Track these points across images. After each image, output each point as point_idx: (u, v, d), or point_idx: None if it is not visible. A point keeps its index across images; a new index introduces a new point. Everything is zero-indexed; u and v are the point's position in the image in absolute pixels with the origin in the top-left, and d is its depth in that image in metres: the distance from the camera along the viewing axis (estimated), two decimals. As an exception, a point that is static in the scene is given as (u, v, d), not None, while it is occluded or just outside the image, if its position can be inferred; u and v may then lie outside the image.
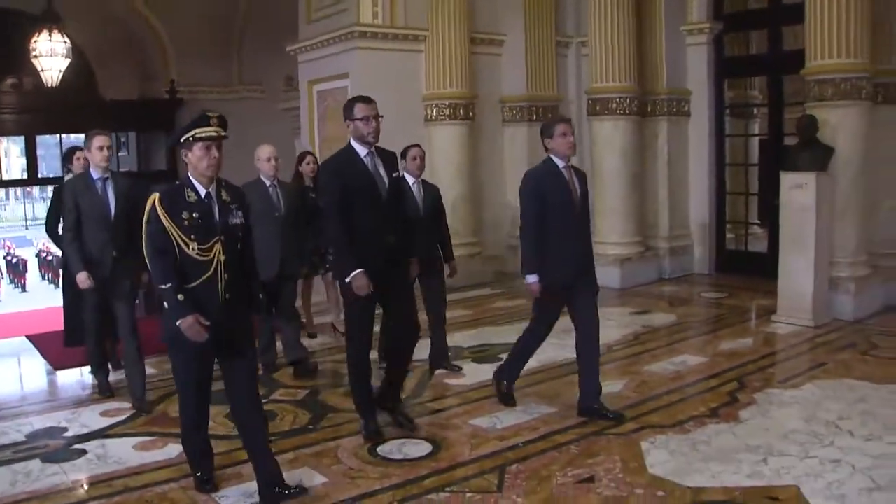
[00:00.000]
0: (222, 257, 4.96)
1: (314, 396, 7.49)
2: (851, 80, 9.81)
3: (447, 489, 5.34)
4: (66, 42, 15.84)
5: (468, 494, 5.28)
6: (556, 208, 6.45)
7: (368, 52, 12.61)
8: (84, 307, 7.64)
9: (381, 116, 6.16)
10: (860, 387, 7.23)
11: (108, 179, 7.36)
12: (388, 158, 6.32)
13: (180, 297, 4.85)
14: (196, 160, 4.94)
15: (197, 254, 4.89)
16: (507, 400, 6.98)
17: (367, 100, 6.18)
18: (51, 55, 15.66)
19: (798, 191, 9.53)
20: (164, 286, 4.88)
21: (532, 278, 6.51)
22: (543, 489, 5.32)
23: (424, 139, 12.08)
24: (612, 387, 7.19)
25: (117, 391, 7.66)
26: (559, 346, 7.79)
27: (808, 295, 9.57)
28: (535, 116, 13.53)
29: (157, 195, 4.90)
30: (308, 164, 9.47)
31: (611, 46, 12.43)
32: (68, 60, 15.95)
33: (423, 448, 6.09)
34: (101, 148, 7.22)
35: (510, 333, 8.31)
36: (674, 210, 13.38)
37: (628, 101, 12.45)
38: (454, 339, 8.88)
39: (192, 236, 4.88)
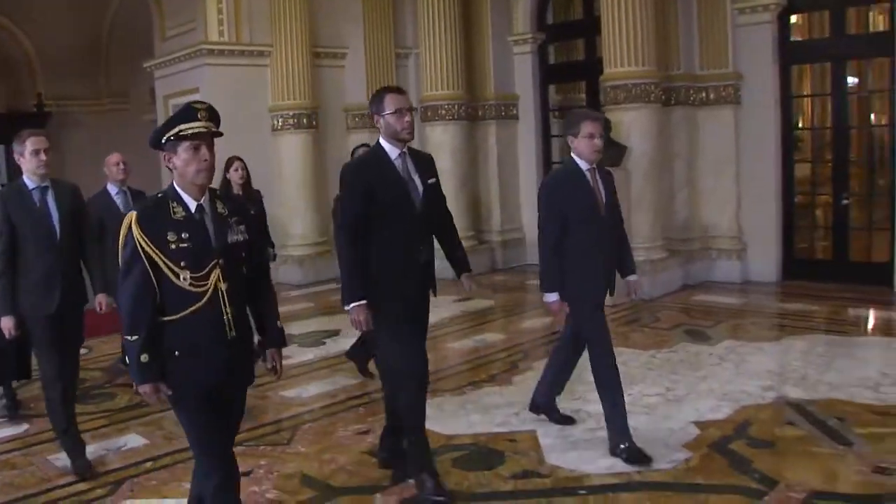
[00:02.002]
0: (223, 285, 3.95)
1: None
2: (641, 86, 11.04)
3: (244, 444, 6.23)
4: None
5: (261, 447, 6.25)
6: (578, 216, 5.73)
7: (216, 68, 13.49)
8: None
9: (415, 109, 5.46)
10: (626, 353, 8.33)
11: (49, 189, 6.07)
12: (424, 161, 5.43)
13: (144, 357, 3.86)
14: (182, 165, 3.90)
15: (190, 284, 3.88)
16: (643, 459, 5.66)
17: (398, 90, 5.34)
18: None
19: (594, 185, 10.69)
20: (129, 337, 3.89)
21: (551, 297, 5.86)
22: (325, 441, 6.33)
23: (272, 148, 13.07)
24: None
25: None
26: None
27: (607, 277, 10.72)
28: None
29: (134, 214, 3.88)
30: (236, 170, 8.69)
31: (440, 57, 13.54)
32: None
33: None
34: (36, 152, 5.97)
35: (338, 322, 9.40)
36: (505, 206, 14.58)
37: (457, 107, 13.58)
38: (290, 328, 9.67)
39: (183, 263, 3.86)
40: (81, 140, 18.39)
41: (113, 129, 18.20)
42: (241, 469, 5.59)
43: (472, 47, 14.19)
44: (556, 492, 5.26)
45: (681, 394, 7.12)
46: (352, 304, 5.17)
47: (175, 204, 3.93)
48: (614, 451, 5.71)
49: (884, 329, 9.49)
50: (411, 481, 5.37)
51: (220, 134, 4.01)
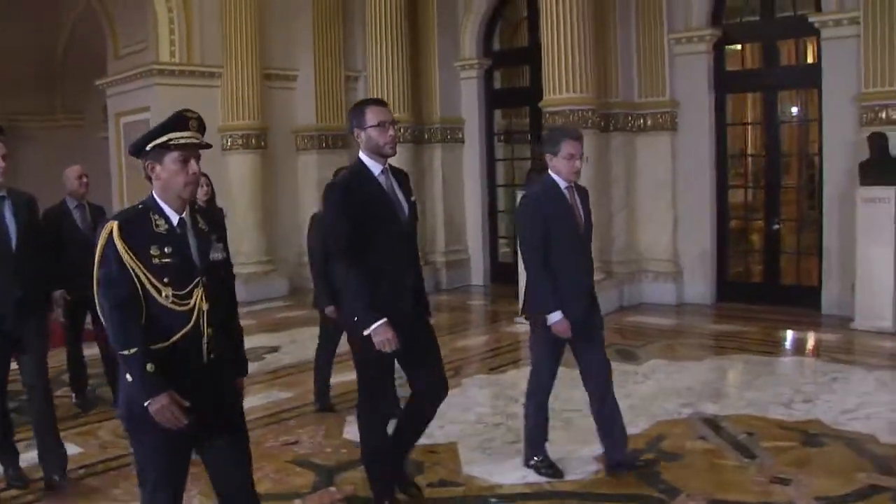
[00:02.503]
0: (205, 306, 3.74)
1: (93, 392, 8.46)
2: (579, 112, 11.36)
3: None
4: None
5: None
6: (558, 235, 5.60)
7: (167, 88, 13.63)
8: None
9: (396, 123, 5.25)
10: (554, 371, 8.64)
11: (5, 199, 5.76)
12: (402, 178, 5.24)
13: (150, 367, 3.57)
14: (169, 176, 3.69)
15: (172, 303, 3.66)
16: (555, 472, 5.90)
17: (380, 102, 5.16)
18: None
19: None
20: (126, 351, 3.59)
21: (556, 316, 5.57)
22: (255, 450, 6.44)
23: (220, 167, 13.26)
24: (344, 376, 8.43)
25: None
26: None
27: (545, 298, 11.02)
28: (324, 145, 14.80)
29: (115, 223, 3.64)
30: (201, 186, 8.21)
31: (387, 80, 13.82)
32: None
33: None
34: None
35: (280, 338, 9.66)
36: (449, 227, 14.89)
37: (402, 129, 13.83)
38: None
39: (166, 279, 3.64)
40: (35, 156, 18.37)
41: (67, 145, 18.28)
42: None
43: (419, 71, 14.51)
44: (469, 500, 5.51)
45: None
46: (373, 326, 4.87)
47: (157, 216, 3.72)
48: (527, 463, 5.95)
49: (805, 349, 9.84)
50: (332, 488, 5.61)
51: (209, 146, 3.90)
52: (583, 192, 5.83)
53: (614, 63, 12.43)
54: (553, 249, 5.58)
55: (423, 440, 6.51)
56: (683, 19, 12.31)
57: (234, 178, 13.93)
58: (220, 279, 3.88)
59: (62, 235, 7.41)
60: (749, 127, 13.26)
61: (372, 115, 4.94)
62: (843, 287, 10.90)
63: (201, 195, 8.17)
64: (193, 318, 3.69)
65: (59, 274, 6.62)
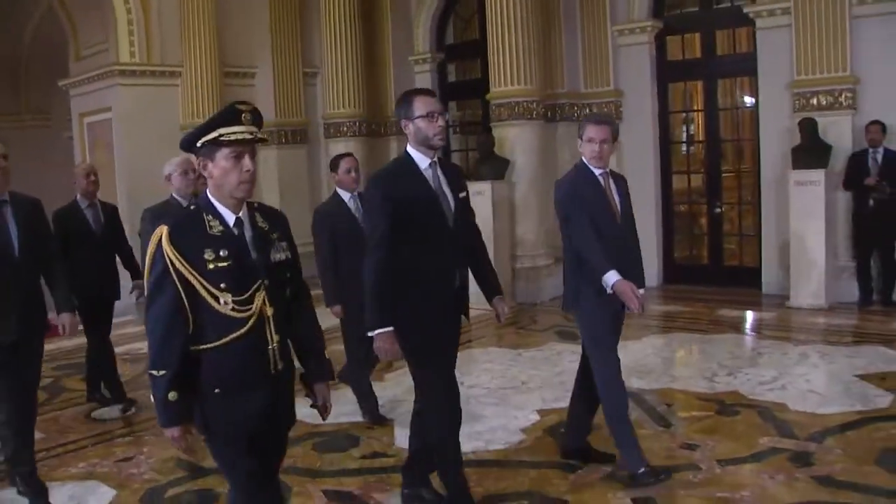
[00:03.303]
0: (269, 310, 3.54)
1: (57, 382, 8.87)
2: (523, 104, 11.80)
3: (133, 433, 6.93)
4: None
5: (146, 437, 6.90)
6: (593, 222, 5.34)
7: (128, 88, 13.95)
8: None
9: (447, 114, 4.97)
10: (495, 351, 9.10)
11: (7, 203, 5.60)
12: (453, 172, 4.99)
13: (172, 395, 3.41)
14: (221, 174, 3.47)
15: (232, 310, 3.45)
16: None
17: (428, 92, 4.94)
18: None
19: (480, 197, 11.38)
20: (155, 371, 3.42)
21: (613, 277, 5.24)
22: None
23: (182, 164, 13.53)
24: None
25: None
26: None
27: (494, 284, 11.45)
28: (284, 140, 15.17)
29: (165, 229, 3.42)
30: (203, 183, 8.27)
31: (342, 76, 14.22)
32: None
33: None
34: None
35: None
36: (407, 219, 15.18)
37: (357, 124, 14.26)
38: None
39: (223, 285, 3.42)
40: (3, 156, 18.65)
41: (34, 145, 18.53)
42: (124, 455, 6.35)
43: (374, 67, 14.89)
44: (398, 469, 5.86)
45: (533, 386, 7.82)
46: (378, 331, 4.68)
47: (211, 217, 3.49)
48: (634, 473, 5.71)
49: (739, 327, 10.29)
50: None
51: (265, 140, 3.73)
52: (620, 180, 5.60)
53: (560, 55, 12.92)
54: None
55: (363, 418, 6.99)
56: (626, 11, 12.77)
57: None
58: (285, 281, 3.67)
59: (73, 236, 7.34)
60: (689, 114, 13.68)
61: (420, 105, 4.70)
62: (781, 267, 11.37)
63: (202, 192, 7.83)
64: (254, 322, 3.48)
65: (71, 276, 6.27)
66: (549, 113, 12.47)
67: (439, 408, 4.90)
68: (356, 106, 14.27)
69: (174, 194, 6.70)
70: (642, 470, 5.44)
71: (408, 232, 4.66)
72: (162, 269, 3.40)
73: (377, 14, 15.08)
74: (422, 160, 4.74)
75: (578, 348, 8.97)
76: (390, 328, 4.67)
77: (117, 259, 8.05)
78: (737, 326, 10.27)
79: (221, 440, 3.57)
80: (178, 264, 3.37)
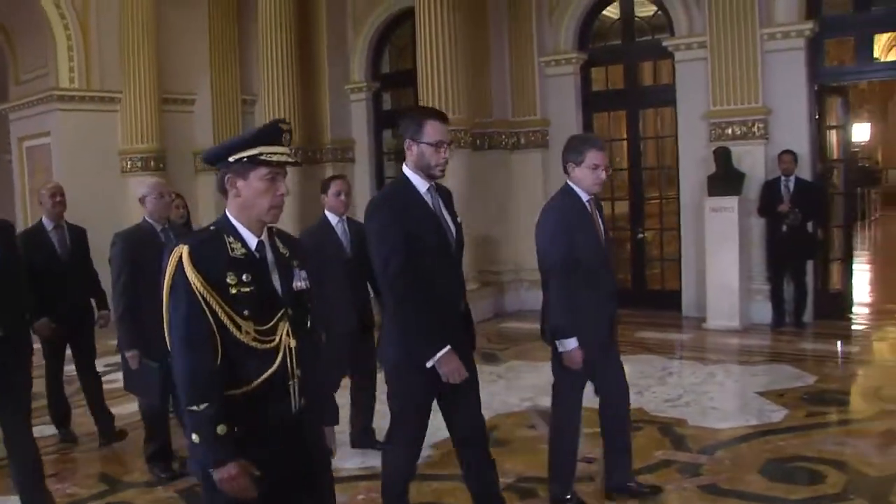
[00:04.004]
0: (292, 342, 3.28)
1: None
2: (452, 132, 12.09)
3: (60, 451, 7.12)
4: None
5: (71, 454, 7.17)
6: (582, 252, 5.18)
7: (67, 113, 14.17)
8: None
9: (451, 144, 4.69)
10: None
11: None
12: (448, 197, 4.81)
13: (220, 429, 3.07)
14: (253, 195, 3.23)
15: (254, 340, 3.18)
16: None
17: (441, 116, 4.67)
18: None
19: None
20: (194, 407, 3.07)
21: (571, 343, 5.18)
22: (129, 447, 7.21)
23: (121, 190, 13.80)
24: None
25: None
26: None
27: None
28: (223, 166, 15.39)
29: (185, 248, 3.13)
30: (177, 207, 8.21)
31: (279, 104, 14.46)
32: None
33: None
34: None
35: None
36: (342, 243, 15.50)
37: (294, 151, 14.44)
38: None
39: (246, 312, 3.16)
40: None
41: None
42: (48, 471, 6.15)
43: (310, 95, 15.18)
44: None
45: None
46: (438, 356, 4.41)
47: (232, 239, 3.22)
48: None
49: (655, 348, 10.68)
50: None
51: (299, 163, 3.43)
52: (599, 205, 5.47)
53: (489, 85, 13.36)
54: (577, 267, 5.17)
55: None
56: (553, 43, 13.25)
57: (133, 199, 14.30)
58: (306, 311, 3.41)
59: (38, 260, 6.89)
60: (614, 142, 14.12)
61: (431, 132, 4.50)
62: (699, 290, 11.81)
63: (176, 216, 7.76)
64: (280, 357, 3.22)
65: (36, 303, 6.21)
66: (477, 141, 12.89)
67: (409, 445, 4.80)
68: (293, 133, 14.56)
69: (147, 218, 6.37)
70: (568, 497, 5.55)
71: (413, 258, 4.41)
72: (185, 293, 3.09)
73: (314, 43, 15.36)
74: (420, 184, 4.56)
75: (498, 369, 9.49)
76: (447, 347, 4.42)
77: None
78: (652, 348, 10.66)
79: (224, 497, 3.17)
80: (200, 287, 3.08)
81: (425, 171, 4.54)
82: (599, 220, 5.35)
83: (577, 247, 5.15)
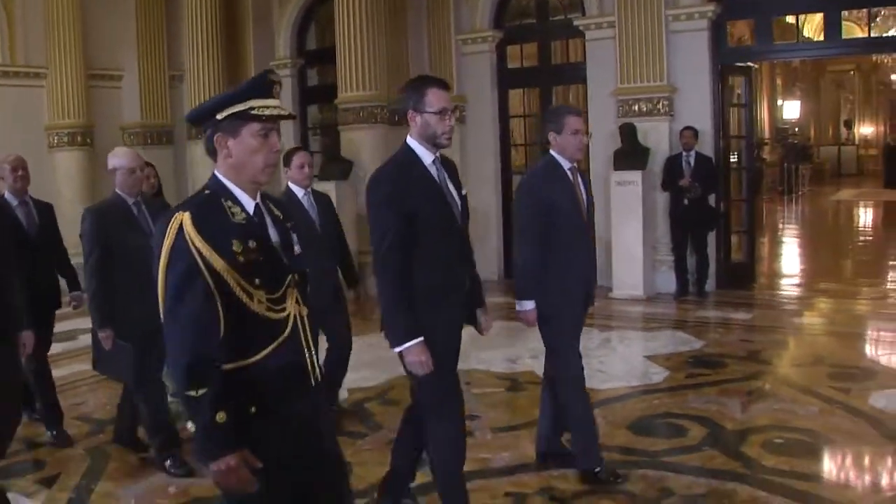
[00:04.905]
0: (303, 311, 3.12)
1: None
2: (368, 108, 12.54)
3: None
4: None
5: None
6: (561, 219, 5.24)
7: (-8, 88, 14.32)
8: None
9: (456, 110, 4.46)
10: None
11: None
12: (452, 169, 4.60)
13: (220, 416, 2.81)
14: (245, 153, 3.01)
15: (267, 309, 2.98)
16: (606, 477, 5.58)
17: (443, 84, 4.45)
18: None
19: (326, 196, 12.07)
20: (192, 392, 2.82)
21: (528, 304, 5.33)
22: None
23: (48, 165, 13.99)
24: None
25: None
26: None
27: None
28: (150, 140, 15.72)
29: (186, 214, 2.91)
30: (147, 178, 7.24)
31: (204, 79, 14.68)
32: None
33: None
34: None
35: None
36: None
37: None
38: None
39: (258, 281, 2.95)
40: None
41: None
42: None
43: (236, 70, 15.41)
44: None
45: (353, 365, 8.49)
46: (406, 345, 4.27)
47: (230, 203, 3.01)
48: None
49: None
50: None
51: (294, 116, 3.12)
52: (584, 177, 5.49)
53: (407, 62, 13.70)
54: (554, 234, 5.23)
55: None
56: (469, 21, 13.62)
57: (60, 174, 14.65)
58: (307, 277, 3.21)
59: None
60: (529, 119, 14.58)
61: (434, 100, 4.31)
62: (606, 261, 12.23)
63: (146, 188, 7.09)
64: (290, 326, 3.04)
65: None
66: (396, 117, 13.21)
67: (448, 440, 4.60)
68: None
69: (118, 191, 5.92)
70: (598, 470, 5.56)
71: (417, 233, 4.28)
72: (187, 264, 2.85)
73: (240, 19, 15.65)
74: (425, 155, 4.38)
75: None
76: (420, 338, 4.26)
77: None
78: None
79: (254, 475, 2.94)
80: (208, 256, 2.85)
81: (431, 141, 4.36)
82: (582, 188, 5.39)
83: (555, 211, 5.21)
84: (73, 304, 7.15)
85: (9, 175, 6.77)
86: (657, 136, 11.89)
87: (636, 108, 11.99)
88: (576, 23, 12.58)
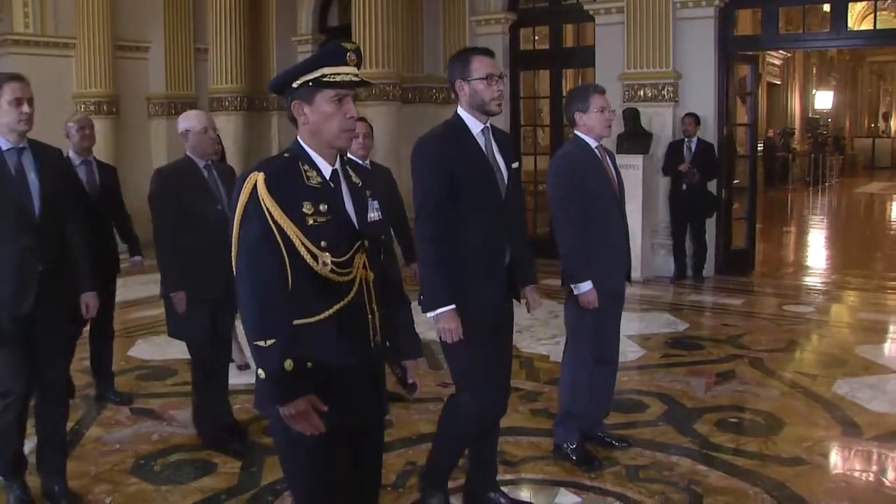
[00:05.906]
0: (370, 275, 3.18)
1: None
2: (381, 86, 12.83)
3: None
4: None
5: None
6: (594, 198, 5.22)
7: (22, 58, 14.63)
8: None
9: (502, 77, 4.44)
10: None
11: (26, 150, 4.77)
12: (505, 140, 4.57)
13: (288, 364, 2.95)
14: (321, 119, 3.09)
15: (331, 272, 3.06)
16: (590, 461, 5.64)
17: (487, 52, 4.44)
18: None
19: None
20: (261, 342, 2.96)
21: (585, 286, 5.21)
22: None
23: (75, 132, 14.36)
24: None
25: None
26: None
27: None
28: (174, 111, 15.97)
29: (261, 175, 3.01)
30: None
31: (226, 53, 15.13)
32: None
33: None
34: (16, 102, 4.67)
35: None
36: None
37: (239, 99, 15.21)
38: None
39: (324, 243, 3.04)
40: None
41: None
42: None
43: (258, 45, 15.85)
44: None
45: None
46: (439, 310, 4.22)
47: (307, 167, 3.10)
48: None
49: (552, 294, 11.38)
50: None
51: (370, 84, 3.48)
52: (612, 156, 5.52)
53: (421, 41, 14.06)
54: (590, 216, 5.21)
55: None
56: (484, 3, 13.94)
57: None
58: (380, 244, 3.29)
59: None
60: (539, 100, 14.83)
61: (479, 66, 4.30)
62: (608, 242, 12.51)
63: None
64: (355, 290, 3.11)
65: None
66: (409, 95, 13.55)
67: (463, 414, 4.59)
68: (239, 81, 15.20)
69: (189, 153, 5.78)
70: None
71: (457, 201, 4.25)
72: (259, 222, 2.98)
73: (263, -6, 16.03)
74: (474, 124, 4.35)
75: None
76: (452, 306, 4.22)
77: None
78: (550, 294, 11.35)
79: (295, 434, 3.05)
80: (277, 217, 2.97)
81: (480, 109, 4.33)
82: (611, 166, 5.39)
83: (588, 190, 5.19)
84: (136, 268, 7.19)
85: (75, 133, 6.76)
86: (661, 122, 12.10)
87: (641, 93, 12.20)
88: (586, 7, 12.78)
